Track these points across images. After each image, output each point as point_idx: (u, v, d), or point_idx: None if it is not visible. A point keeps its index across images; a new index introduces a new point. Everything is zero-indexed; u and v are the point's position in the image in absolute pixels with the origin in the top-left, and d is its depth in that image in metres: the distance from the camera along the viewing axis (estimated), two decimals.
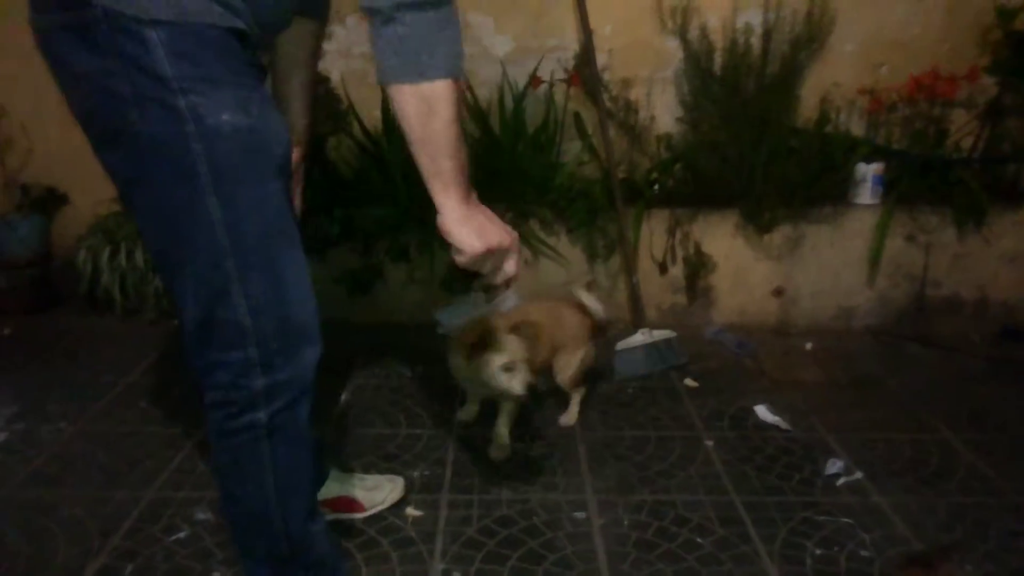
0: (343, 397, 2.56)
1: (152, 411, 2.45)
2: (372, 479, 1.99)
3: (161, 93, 1.15)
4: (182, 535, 1.84)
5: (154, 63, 1.13)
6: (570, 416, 2.40)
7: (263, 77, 1.31)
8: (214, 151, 1.19)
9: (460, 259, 1.36)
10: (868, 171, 3.04)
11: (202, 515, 1.91)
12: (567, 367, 2.33)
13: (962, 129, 3.17)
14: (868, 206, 3.05)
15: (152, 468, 2.12)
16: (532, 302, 2.23)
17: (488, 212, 1.38)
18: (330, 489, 1.89)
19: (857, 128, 3.23)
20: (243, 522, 1.42)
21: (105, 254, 3.09)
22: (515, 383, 1.93)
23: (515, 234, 1.40)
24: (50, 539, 1.82)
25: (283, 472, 1.36)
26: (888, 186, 3.07)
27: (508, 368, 1.95)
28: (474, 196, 1.36)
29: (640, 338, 2.77)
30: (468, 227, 1.34)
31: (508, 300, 3.03)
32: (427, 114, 1.24)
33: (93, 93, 1.18)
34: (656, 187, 3.14)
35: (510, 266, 1.41)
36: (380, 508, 1.94)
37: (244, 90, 1.21)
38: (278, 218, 1.28)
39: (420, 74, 1.22)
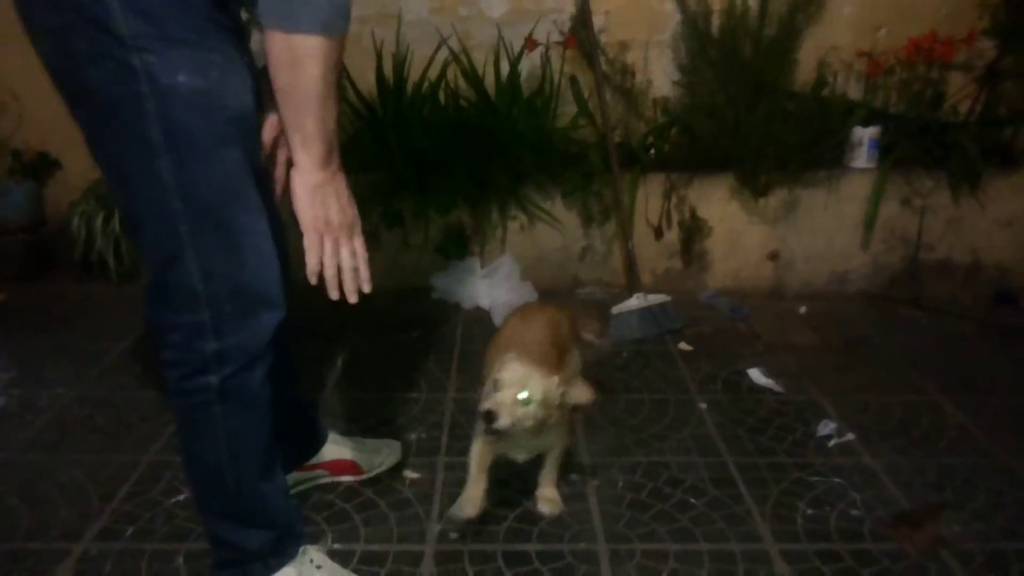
0: (339, 362, 2.57)
1: (148, 376, 2.45)
2: (371, 443, 2.00)
3: (117, 51, 1.13)
4: (181, 498, 1.85)
5: (111, 20, 1.11)
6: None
7: (237, 37, 1.26)
8: (167, 112, 1.17)
9: (306, 242, 1.28)
10: (865, 135, 3.04)
11: None
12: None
13: (959, 92, 3.16)
14: (864, 170, 3.05)
15: (149, 432, 2.13)
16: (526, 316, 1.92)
17: (342, 188, 1.29)
18: (329, 452, 1.91)
19: (855, 91, 3.22)
20: (198, 479, 1.46)
21: (99, 219, 3.08)
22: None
23: (356, 219, 1.32)
24: (50, 503, 1.84)
25: (235, 435, 1.38)
26: (884, 150, 3.06)
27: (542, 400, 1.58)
28: (335, 165, 1.27)
29: (635, 302, 2.78)
30: (315, 198, 1.26)
31: (504, 267, 3.05)
32: (292, 66, 1.16)
33: (56, 50, 1.17)
34: (652, 151, 3.13)
35: (345, 252, 1.31)
36: (378, 471, 1.96)
37: (203, 51, 1.18)
38: (235, 184, 1.25)
39: (291, 22, 1.13)
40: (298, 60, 1.15)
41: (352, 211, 1.30)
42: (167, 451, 2.05)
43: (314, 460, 1.89)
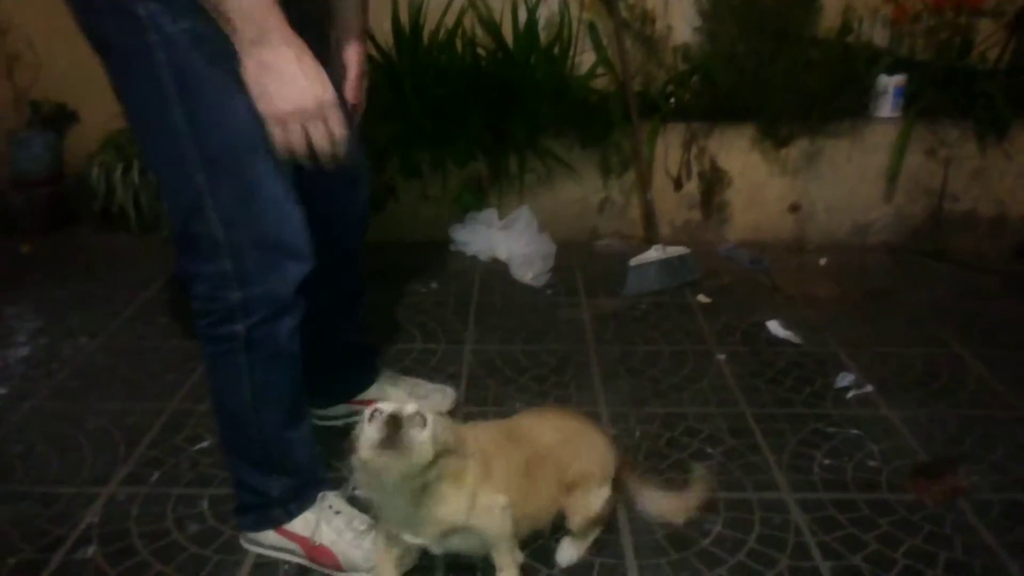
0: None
1: (171, 326, 2.48)
2: (426, 387, 2.02)
3: (126, 1, 1.15)
4: (205, 444, 1.89)
5: None
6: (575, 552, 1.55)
7: None
8: (176, 61, 1.18)
9: (273, 136, 1.20)
10: (890, 83, 2.98)
11: None
12: (587, 507, 1.52)
13: (988, 39, 3.08)
14: (888, 119, 3.00)
15: (173, 381, 2.17)
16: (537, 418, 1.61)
17: (290, 66, 1.15)
18: (381, 391, 1.95)
19: (880, 38, 3.14)
20: (224, 423, 1.50)
21: (118, 171, 3.08)
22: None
23: (324, 99, 1.18)
24: (77, 449, 1.88)
25: (259, 384, 1.41)
26: (910, 99, 3.00)
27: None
28: (276, 41, 1.14)
29: (654, 254, 2.76)
30: (260, 83, 1.16)
31: (522, 218, 3.03)
32: None
33: (80, 4, 1.20)
34: (672, 100, 3.08)
35: (317, 135, 1.20)
36: None
37: None
38: (247, 132, 1.22)
39: None
40: None
41: (316, 91, 1.17)
42: (190, 400, 2.08)
43: (364, 395, 1.93)
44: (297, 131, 1.19)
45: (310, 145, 1.21)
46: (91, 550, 1.56)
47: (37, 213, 3.28)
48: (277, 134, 1.20)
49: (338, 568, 1.50)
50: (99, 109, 3.32)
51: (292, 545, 1.53)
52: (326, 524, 1.52)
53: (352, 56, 1.51)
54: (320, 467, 1.59)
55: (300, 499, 1.53)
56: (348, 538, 1.50)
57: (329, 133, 1.21)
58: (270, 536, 1.54)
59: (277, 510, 1.52)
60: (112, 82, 1.26)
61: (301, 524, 1.53)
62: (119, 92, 1.26)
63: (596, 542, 1.57)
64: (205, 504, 1.69)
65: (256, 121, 1.22)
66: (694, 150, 3.02)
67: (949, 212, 3.08)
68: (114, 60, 1.23)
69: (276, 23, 1.13)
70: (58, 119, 3.43)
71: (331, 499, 1.57)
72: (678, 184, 3.08)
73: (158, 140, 1.25)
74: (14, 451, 1.87)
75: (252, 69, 1.16)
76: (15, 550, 1.55)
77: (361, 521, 1.53)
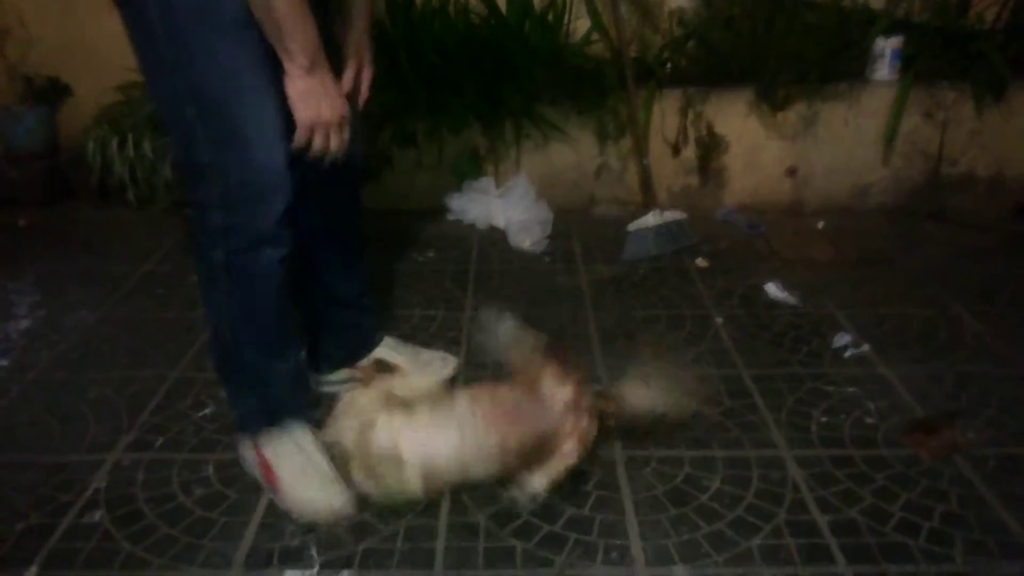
0: None
1: (170, 297, 2.49)
2: (426, 354, 2.04)
3: None
4: (208, 411, 1.90)
5: None
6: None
7: None
8: (167, 7, 1.31)
9: (297, 135, 1.43)
10: (887, 46, 2.96)
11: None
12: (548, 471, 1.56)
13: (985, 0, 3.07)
14: (885, 82, 2.99)
15: (174, 350, 2.18)
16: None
17: (329, 88, 1.43)
18: (381, 355, 1.96)
19: (877, 1, 3.12)
20: (211, 340, 1.64)
21: (113, 145, 3.06)
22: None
23: (346, 114, 1.47)
24: (80, 418, 1.89)
25: (238, 309, 1.54)
26: (907, 61, 2.99)
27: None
28: (321, 70, 1.41)
29: (651, 219, 2.77)
30: (307, 101, 1.41)
31: (519, 186, 3.03)
32: (263, 3, 1.32)
33: None
34: (668, 66, 3.07)
35: (334, 142, 1.48)
36: None
37: None
38: (235, 69, 1.36)
39: None
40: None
41: (341, 108, 1.46)
42: (192, 368, 2.09)
43: (365, 361, 1.96)
44: (323, 137, 1.45)
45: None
46: (99, 515, 1.57)
47: (34, 187, 3.27)
48: (305, 137, 1.43)
49: (285, 504, 1.58)
50: (92, 84, 3.31)
51: (257, 463, 1.63)
52: (286, 458, 1.60)
53: (363, 55, 1.65)
54: (296, 404, 1.66)
55: (266, 425, 1.62)
56: (299, 479, 1.58)
57: (342, 139, 1.48)
58: (248, 447, 1.66)
59: (248, 430, 1.65)
60: (128, 35, 1.39)
61: (267, 449, 1.62)
62: (130, 42, 1.39)
63: (596, 499, 1.60)
64: (210, 469, 1.71)
65: (245, 58, 1.36)
66: (691, 115, 3.02)
67: (947, 174, 3.08)
68: (124, 14, 1.36)
69: (322, 54, 1.39)
70: (51, 93, 3.40)
71: (299, 436, 1.63)
72: (675, 150, 3.07)
73: (154, 76, 1.41)
74: (19, 421, 1.88)
75: (301, 89, 1.39)
76: (23, 516, 1.57)
77: (318, 467, 1.59)
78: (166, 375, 2.06)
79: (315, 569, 1.45)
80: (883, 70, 2.99)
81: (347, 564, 1.45)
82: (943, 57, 2.98)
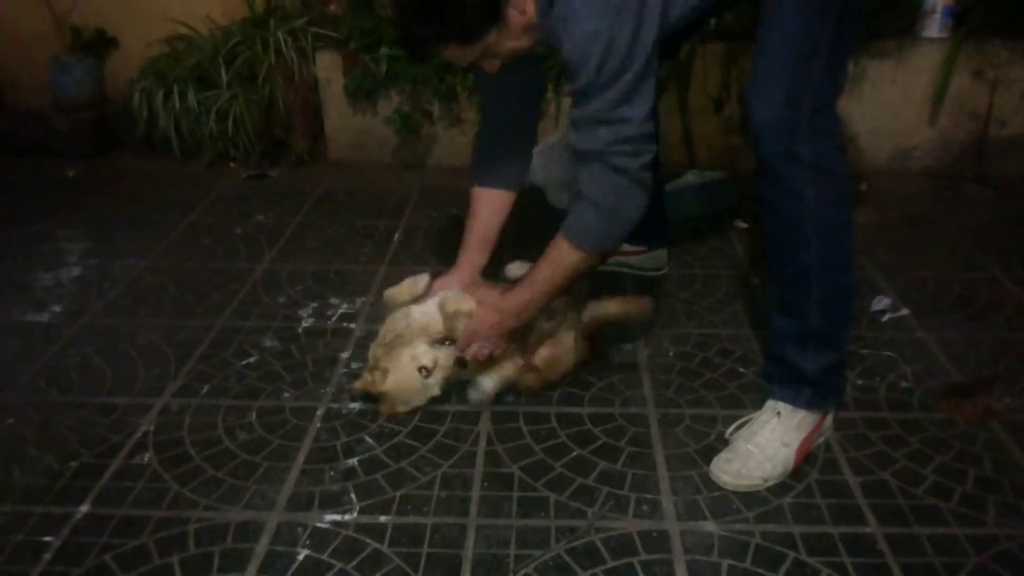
0: (396, 236, 2.62)
1: (215, 248, 2.55)
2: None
3: None
4: (252, 360, 1.96)
5: None
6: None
7: None
8: None
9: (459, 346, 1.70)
10: (938, 2, 2.88)
11: (269, 343, 2.03)
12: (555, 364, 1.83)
13: None
14: (935, 40, 2.91)
15: (219, 300, 2.23)
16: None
17: (510, 329, 1.69)
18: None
19: None
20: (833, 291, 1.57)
21: (159, 97, 3.12)
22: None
23: (501, 348, 1.71)
24: (130, 363, 1.96)
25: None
26: (959, 18, 2.90)
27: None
28: (522, 320, 1.68)
29: (690, 179, 2.75)
30: (491, 330, 1.67)
31: (558, 144, 3.01)
32: (559, 264, 1.58)
33: None
34: (712, 20, 3.01)
35: (483, 353, 1.70)
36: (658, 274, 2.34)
37: None
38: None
39: (582, 243, 1.54)
40: (564, 262, 1.57)
41: (500, 342, 1.70)
42: (236, 317, 2.15)
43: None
44: (476, 346, 1.68)
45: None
46: (147, 456, 1.64)
47: (82, 138, 3.34)
48: (464, 342, 1.70)
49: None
50: (139, 35, 3.35)
51: (800, 443, 1.59)
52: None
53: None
54: None
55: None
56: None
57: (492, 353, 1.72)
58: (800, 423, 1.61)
59: (832, 396, 1.67)
60: None
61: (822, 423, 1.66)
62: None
63: (629, 455, 1.63)
64: (253, 415, 1.76)
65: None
66: (734, 71, 2.97)
67: (994, 136, 3.01)
68: None
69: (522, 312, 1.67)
70: (98, 45, 3.46)
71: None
72: (718, 106, 3.03)
73: None
74: (71, 363, 1.96)
75: (493, 322, 1.67)
76: (76, 454, 1.64)
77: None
78: (211, 324, 2.11)
79: (354, 513, 1.50)
80: (933, 27, 2.91)
81: (385, 510, 1.51)
82: (997, 14, 2.89)
